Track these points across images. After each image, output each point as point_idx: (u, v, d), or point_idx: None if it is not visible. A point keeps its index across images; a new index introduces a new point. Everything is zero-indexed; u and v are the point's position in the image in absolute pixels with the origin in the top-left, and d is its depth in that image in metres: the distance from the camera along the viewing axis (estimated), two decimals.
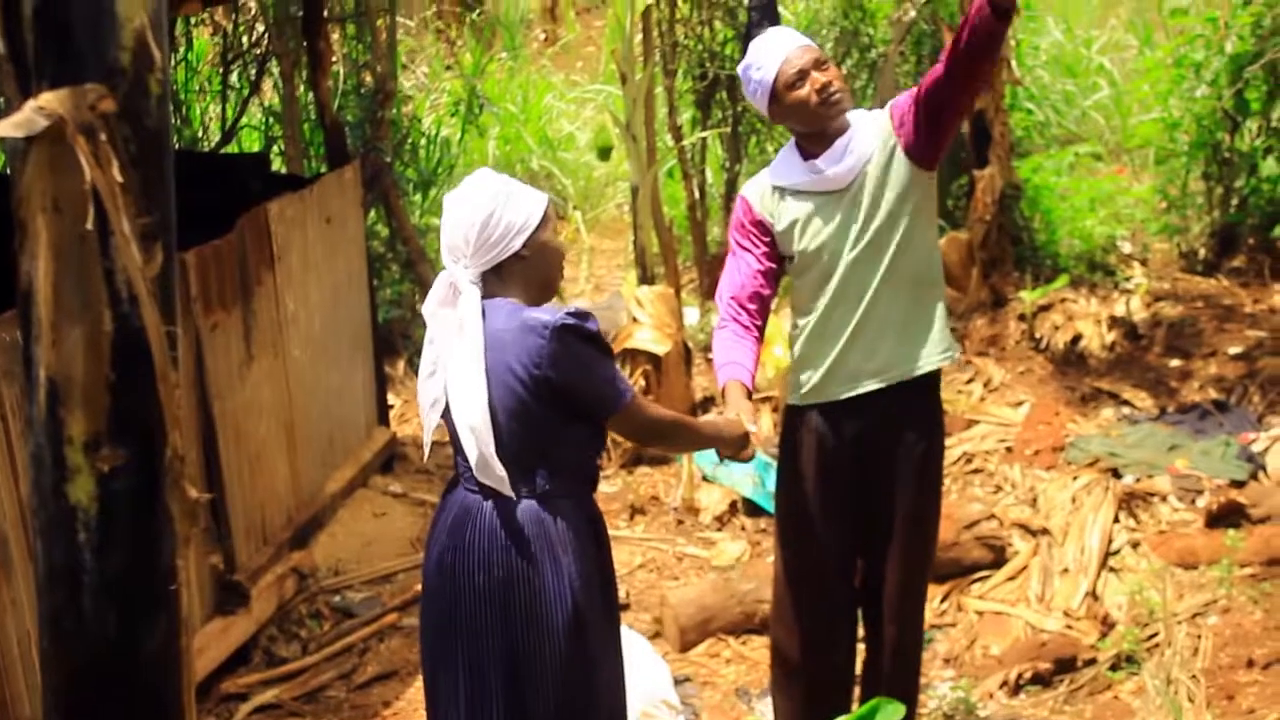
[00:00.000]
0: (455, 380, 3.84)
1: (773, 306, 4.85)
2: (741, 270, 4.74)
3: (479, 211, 3.82)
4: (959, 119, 4.62)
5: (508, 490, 3.86)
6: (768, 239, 4.71)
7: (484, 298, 3.88)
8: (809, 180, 4.59)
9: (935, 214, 4.74)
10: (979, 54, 4.27)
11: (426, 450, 4.13)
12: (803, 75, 4.51)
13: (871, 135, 4.57)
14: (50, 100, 2.44)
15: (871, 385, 4.65)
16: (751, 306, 4.70)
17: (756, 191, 4.74)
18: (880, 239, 4.54)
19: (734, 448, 4.38)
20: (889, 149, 4.55)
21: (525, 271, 3.91)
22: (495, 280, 3.90)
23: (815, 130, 4.57)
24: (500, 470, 3.83)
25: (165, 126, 2.60)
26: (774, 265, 4.73)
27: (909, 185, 4.54)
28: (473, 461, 3.87)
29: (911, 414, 4.75)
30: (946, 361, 4.73)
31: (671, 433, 4.29)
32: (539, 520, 3.88)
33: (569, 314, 3.80)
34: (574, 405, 3.85)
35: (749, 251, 4.73)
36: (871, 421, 4.70)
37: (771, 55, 4.55)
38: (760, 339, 4.72)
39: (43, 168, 2.49)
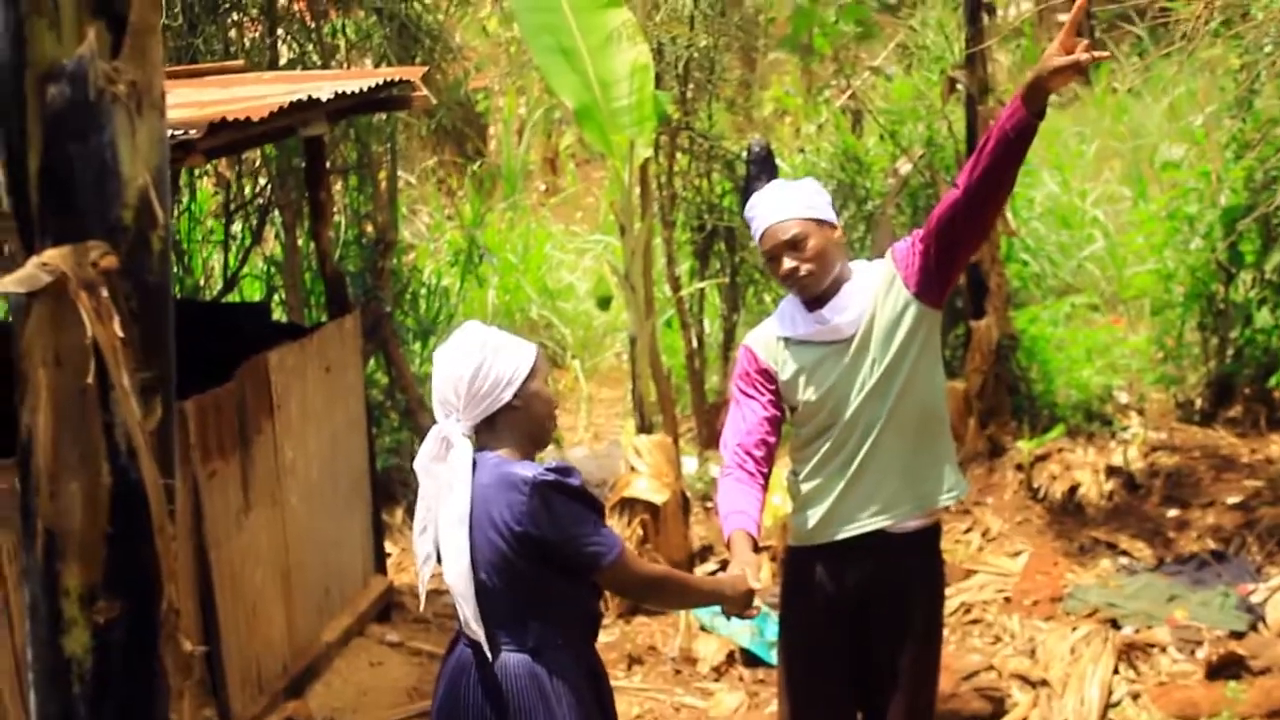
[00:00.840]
0: (442, 540, 3.85)
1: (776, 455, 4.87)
2: (746, 418, 4.75)
3: (467, 365, 3.84)
4: (974, 247, 4.65)
5: (486, 650, 3.85)
6: (773, 387, 4.73)
7: (476, 450, 3.89)
8: (815, 330, 4.63)
9: (940, 352, 4.76)
10: (1009, 161, 4.30)
11: (422, 603, 4.13)
12: (774, 259, 4.61)
13: (874, 282, 4.62)
14: (53, 257, 2.48)
15: (875, 524, 4.64)
16: (757, 454, 4.70)
17: (761, 340, 4.78)
18: (887, 382, 4.57)
19: (738, 606, 4.29)
20: (894, 293, 4.59)
21: (517, 422, 3.91)
22: (488, 433, 3.91)
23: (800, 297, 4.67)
24: (479, 630, 3.83)
25: (166, 282, 2.64)
26: (778, 413, 4.75)
27: (915, 326, 4.58)
28: (460, 619, 3.89)
29: (912, 568, 4.76)
30: (951, 501, 4.74)
31: (664, 590, 4.26)
32: (532, 675, 3.85)
33: (549, 469, 3.79)
34: (558, 561, 3.82)
35: (754, 399, 4.75)
36: (873, 572, 4.70)
37: (759, 221, 4.67)
38: (765, 486, 4.71)
39: (44, 322, 2.52)
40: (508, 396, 3.86)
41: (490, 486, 3.80)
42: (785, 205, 4.64)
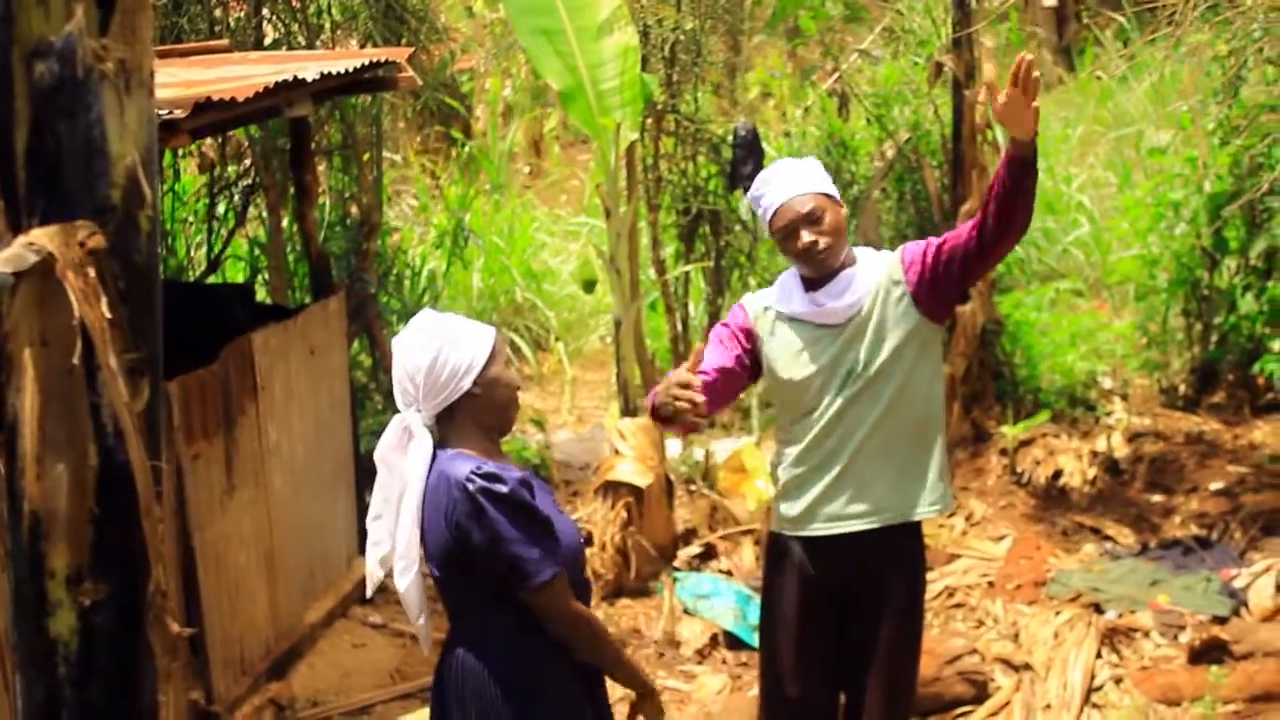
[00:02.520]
0: (397, 541, 3.82)
1: (728, 405, 4.80)
2: (713, 355, 4.73)
3: (424, 355, 3.77)
4: (984, 274, 4.69)
5: (425, 648, 3.90)
6: (750, 347, 4.74)
7: (438, 442, 3.84)
8: (807, 311, 4.63)
9: (940, 362, 4.77)
10: (1017, 204, 4.38)
11: (370, 590, 4.04)
12: (791, 232, 4.57)
13: (876, 275, 4.62)
14: (40, 237, 2.47)
15: (856, 526, 4.65)
16: (714, 385, 4.66)
17: (756, 304, 4.79)
18: (879, 381, 4.57)
19: (642, 694, 4.03)
20: (895, 293, 4.59)
21: (478, 410, 3.83)
22: (448, 423, 3.85)
23: (809, 275, 4.64)
24: (424, 628, 3.88)
25: (154, 263, 2.63)
26: (740, 371, 4.74)
27: (912, 332, 4.58)
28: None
29: (894, 555, 4.76)
30: (934, 513, 4.74)
31: (586, 637, 3.87)
32: (511, 656, 3.82)
33: (479, 473, 3.68)
34: (483, 567, 3.71)
35: (724, 349, 4.75)
36: (853, 561, 4.71)
37: (773, 196, 4.62)
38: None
39: (31, 303, 2.51)
40: (467, 384, 3.79)
41: (438, 486, 3.74)
42: (799, 180, 4.62)
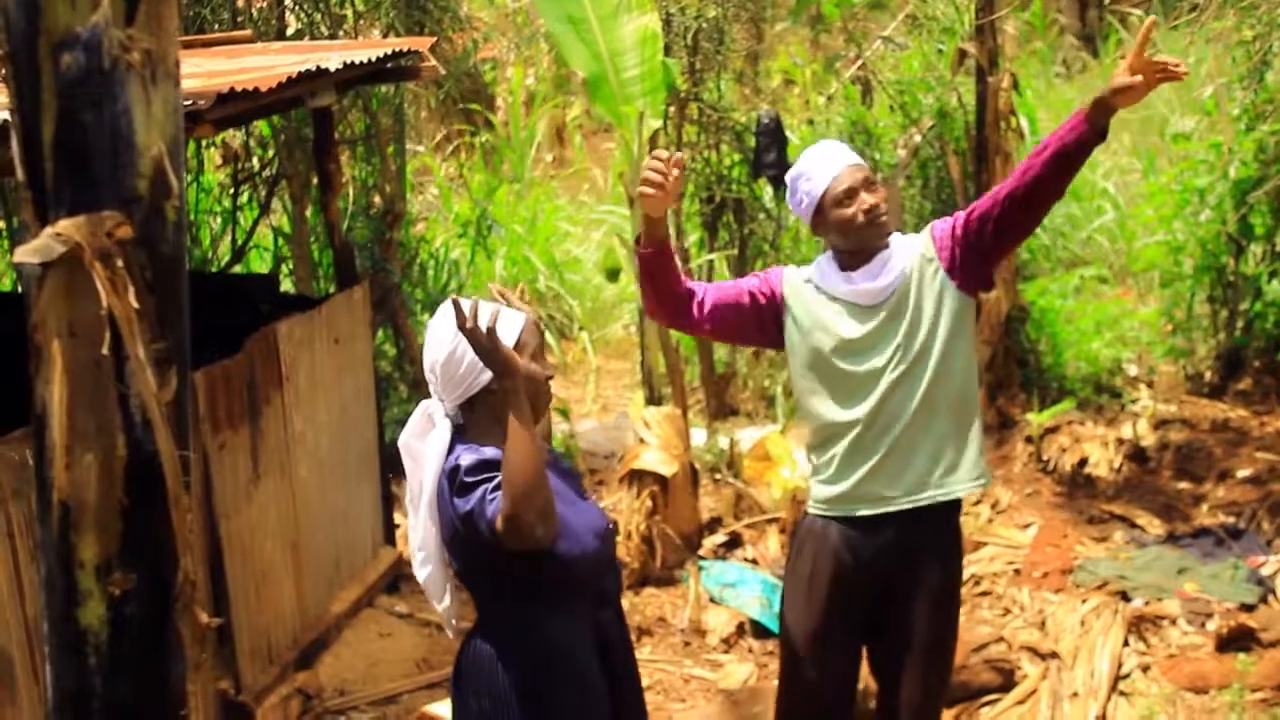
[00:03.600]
0: (417, 529, 3.80)
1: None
2: (732, 289, 4.83)
3: (441, 348, 3.69)
4: (1016, 244, 4.71)
5: (450, 633, 3.89)
6: (765, 305, 4.79)
7: (457, 436, 3.74)
8: (845, 290, 4.66)
9: (974, 339, 4.76)
10: (1062, 174, 4.40)
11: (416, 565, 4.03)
12: (851, 194, 4.59)
13: (910, 255, 4.65)
14: (68, 227, 2.47)
15: (902, 505, 4.66)
16: (706, 297, 4.79)
17: (795, 275, 4.82)
18: (919, 360, 4.58)
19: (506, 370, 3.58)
20: (929, 270, 4.61)
21: (498, 404, 3.62)
22: (469, 414, 3.76)
23: (856, 248, 4.64)
24: (444, 616, 3.87)
25: (181, 253, 2.63)
26: (753, 319, 4.81)
27: (948, 307, 4.60)
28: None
29: (932, 541, 4.75)
30: (978, 487, 4.74)
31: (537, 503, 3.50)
32: (524, 642, 3.77)
33: (458, 460, 3.61)
34: (471, 541, 3.63)
35: (745, 289, 4.81)
36: (891, 545, 4.70)
37: (823, 169, 4.64)
38: (682, 299, 4.78)
39: (59, 293, 2.51)
40: (485, 380, 3.67)
41: (443, 481, 3.68)
42: (848, 154, 4.70)
